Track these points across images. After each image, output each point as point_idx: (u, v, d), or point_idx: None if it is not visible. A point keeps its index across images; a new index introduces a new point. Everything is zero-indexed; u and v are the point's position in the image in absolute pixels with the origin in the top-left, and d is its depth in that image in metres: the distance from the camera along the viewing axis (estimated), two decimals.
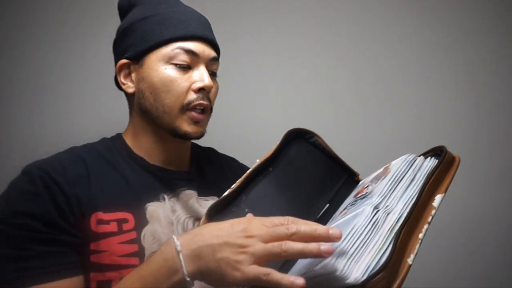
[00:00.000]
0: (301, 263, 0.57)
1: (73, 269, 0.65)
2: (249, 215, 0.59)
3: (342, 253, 0.50)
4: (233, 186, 0.67)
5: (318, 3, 1.40)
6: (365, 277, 0.47)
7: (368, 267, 0.49)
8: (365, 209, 0.57)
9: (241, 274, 0.50)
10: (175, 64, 0.75)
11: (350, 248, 0.51)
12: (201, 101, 0.76)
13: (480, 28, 1.40)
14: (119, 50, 0.81)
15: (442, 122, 1.37)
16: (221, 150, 0.96)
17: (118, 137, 0.82)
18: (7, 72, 1.30)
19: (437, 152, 0.69)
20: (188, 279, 0.54)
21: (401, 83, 1.39)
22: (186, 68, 0.76)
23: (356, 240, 0.52)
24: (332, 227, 0.52)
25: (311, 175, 0.77)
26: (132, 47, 0.78)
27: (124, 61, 0.79)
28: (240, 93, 1.32)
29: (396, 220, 0.55)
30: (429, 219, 0.56)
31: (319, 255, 0.49)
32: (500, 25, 1.40)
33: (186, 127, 0.76)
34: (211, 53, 0.79)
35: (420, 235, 0.53)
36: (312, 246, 0.49)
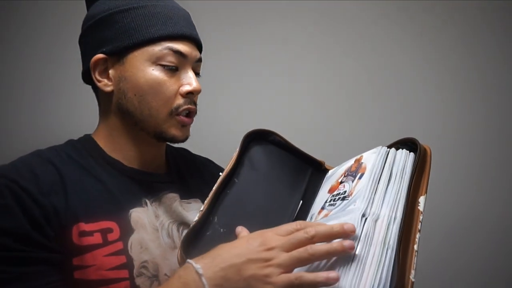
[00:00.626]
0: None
1: None
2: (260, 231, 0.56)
3: (345, 268, 0.50)
4: (201, 208, 0.64)
5: (316, 5, 1.42)
6: None
7: (372, 287, 0.48)
8: (353, 217, 0.56)
9: (273, 287, 0.49)
10: (163, 65, 0.70)
11: (351, 263, 0.50)
12: (189, 106, 0.72)
13: (479, 28, 1.49)
14: (92, 43, 0.72)
15: (435, 121, 1.46)
16: (203, 151, 0.93)
17: (88, 138, 0.75)
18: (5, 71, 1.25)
19: (406, 142, 0.68)
20: None
21: (396, 83, 1.46)
22: (173, 69, 0.71)
23: (354, 257, 0.51)
24: (345, 223, 0.53)
25: (277, 175, 0.75)
26: (111, 41, 0.70)
27: (100, 55, 0.70)
28: (224, 92, 1.30)
29: (385, 229, 0.54)
30: (419, 226, 0.55)
31: (344, 251, 0.49)
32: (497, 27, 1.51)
33: (174, 131, 0.71)
34: (197, 54, 0.74)
35: (415, 247, 0.52)
36: (336, 245, 0.50)
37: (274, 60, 1.42)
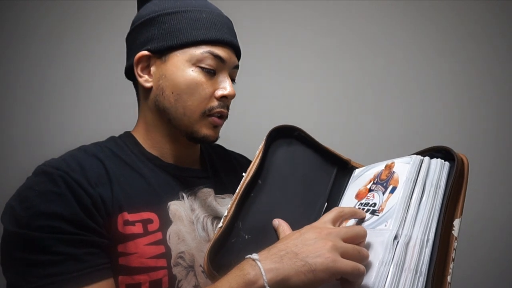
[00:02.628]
0: None
1: (106, 271, 0.62)
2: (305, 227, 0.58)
3: None
4: (225, 213, 0.64)
5: (318, 5, 1.43)
6: None
7: None
8: (385, 241, 0.55)
9: (332, 260, 0.51)
10: (202, 68, 0.73)
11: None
12: (222, 109, 0.75)
13: (478, 29, 1.48)
14: (139, 40, 0.76)
15: (443, 121, 1.44)
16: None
17: (128, 135, 0.79)
18: (11, 72, 1.29)
19: (440, 150, 0.66)
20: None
21: (402, 82, 1.45)
22: (211, 73, 0.73)
23: (386, 282, 0.50)
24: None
25: (302, 175, 0.74)
26: (156, 40, 0.74)
27: (144, 52, 0.74)
28: (243, 93, 1.33)
29: (418, 254, 0.52)
30: (453, 254, 0.52)
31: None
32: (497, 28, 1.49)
33: (206, 131, 0.74)
34: (235, 60, 0.77)
35: (449, 278, 0.51)
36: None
37: (281, 60, 1.44)
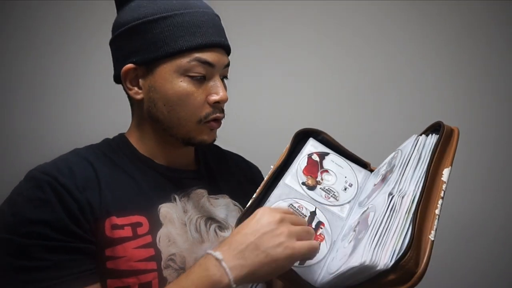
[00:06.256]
0: (333, 263, 0.59)
1: (91, 277, 0.62)
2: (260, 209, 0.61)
3: (368, 244, 0.53)
4: (253, 196, 0.67)
5: (318, 5, 1.41)
6: (393, 261, 0.50)
7: (394, 251, 0.51)
8: (382, 197, 0.61)
9: (292, 249, 0.55)
10: (191, 76, 0.71)
11: (374, 237, 0.54)
12: (217, 114, 0.73)
13: (478, 28, 1.45)
14: (123, 51, 0.74)
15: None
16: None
17: (122, 137, 0.79)
18: (11, 73, 1.33)
19: (436, 127, 0.70)
20: (234, 285, 0.54)
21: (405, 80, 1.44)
22: (201, 79, 0.72)
23: (378, 228, 0.55)
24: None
25: None
26: (140, 52, 0.71)
27: (130, 66, 0.72)
28: (243, 93, 1.32)
29: (411, 201, 0.57)
30: (442, 194, 0.58)
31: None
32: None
33: (203, 136, 0.74)
34: (226, 60, 0.75)
35: (437, 211, 0.55)
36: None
37: (282, 59, 1.43)
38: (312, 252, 0.57)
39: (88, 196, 0.65)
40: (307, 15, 1.43)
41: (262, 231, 0.56)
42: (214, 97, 0.72)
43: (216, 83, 0.73)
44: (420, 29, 1.45)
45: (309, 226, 0.63)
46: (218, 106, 0.74)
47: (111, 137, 0.80)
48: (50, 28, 1.36)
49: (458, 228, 1.41)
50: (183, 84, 0.71)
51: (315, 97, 1.44)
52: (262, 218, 0.58)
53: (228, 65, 0.76)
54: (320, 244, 0.60)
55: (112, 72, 0.78)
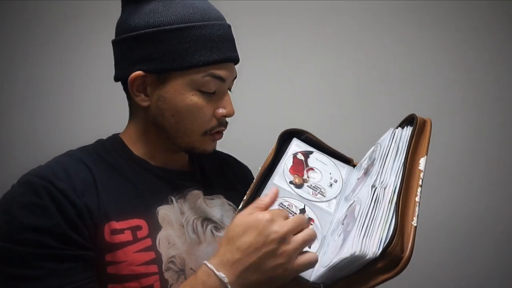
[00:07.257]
0: (325, 256, 0.61)
1: (90, 284, 0.62)
2: (256, 214, 0.61)
3: (356, 235, 0.56)
4: (244, 198, 0.67)
5: (319, 5, 1.42)
6: (380, 249, 0.53)
7: (381, 239, 0.54)
8: (365, 190, 0.64)
9: (294, 270, 0.58)
10: (202, 91, 0.71)
11: (362, 228, 0.57)
12: (222, 127, 0.75)
13: (479, 27, 1.48)
14: (132, 55, 0.70)
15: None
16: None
17: (116, 138, 0.78)
18: (9, 74, 1.31)
19: (410, 120, 0.73)
20: None
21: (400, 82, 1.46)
22: (211, 93, 0.72)
23: (365, 220, 0.58)
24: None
25: None
26: (153, 61, 0.69)
27: (140, 73, 0.69)
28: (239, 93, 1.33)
29: (393, 191, 0.60)
30: (420, 182, 0.61)
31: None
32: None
33: (205, 146, 0.75)
34: (235, 73, 0.75)
35: (417, 198, 0.58)
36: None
37: (295, 63, 1.45)
38: (312, 266, 0.59)
39: (87, 201, 0.64)
40: (304, 16, 1.44)
41: (264, 250, 0.56)
42: (222, 111, 0.73)
43: (225, 97, 0.74)
44: (421, 28, 1.47)
45: (301, 216, 0.64)
46: (224, 119, 0.75)
47: (104, 138, 0.79)
48: (45, 29, 1.35)
49: (463, 228, 1.45)
50: (195, 98, 0.70)
51: (314, 97, 1.46)
52: (264, 230, 0.58)
53: (235, 77, 0.77)
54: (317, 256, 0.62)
55: (109, 73, 0.75)
